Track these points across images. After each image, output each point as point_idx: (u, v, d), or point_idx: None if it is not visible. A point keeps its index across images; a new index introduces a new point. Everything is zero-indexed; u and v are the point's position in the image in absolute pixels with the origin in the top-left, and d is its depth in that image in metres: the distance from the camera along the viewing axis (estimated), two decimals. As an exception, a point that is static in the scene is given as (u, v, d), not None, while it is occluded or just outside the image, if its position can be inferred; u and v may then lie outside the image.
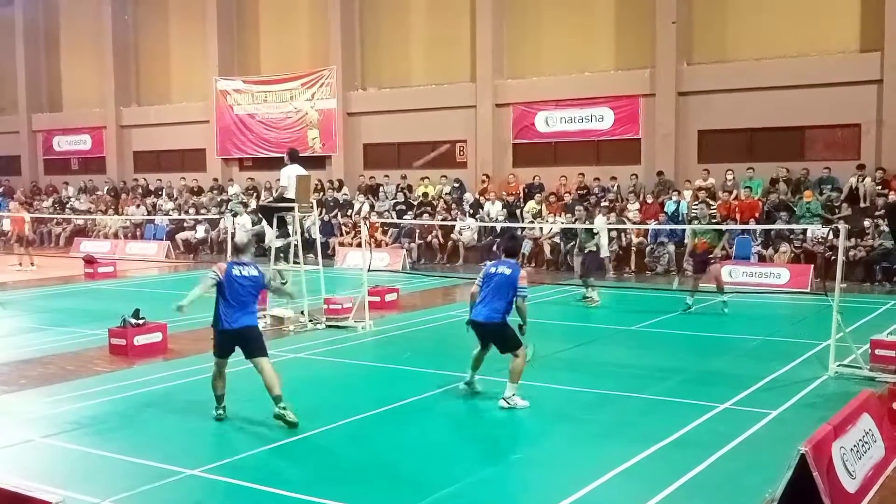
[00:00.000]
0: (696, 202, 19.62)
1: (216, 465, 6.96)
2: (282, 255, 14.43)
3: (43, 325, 13.83)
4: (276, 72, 28.76)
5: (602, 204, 21.01)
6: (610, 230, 18.19)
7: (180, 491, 6.49)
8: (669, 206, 21.13)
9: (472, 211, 23.34)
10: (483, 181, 24.35)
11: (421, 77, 26.34)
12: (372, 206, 24.62)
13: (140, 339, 11.43)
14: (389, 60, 26.97)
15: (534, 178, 23.66)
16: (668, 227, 20.06)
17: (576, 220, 16.51)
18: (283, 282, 13.50)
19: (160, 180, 31.26)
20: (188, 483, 6.62)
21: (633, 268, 20.37)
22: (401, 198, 24.95)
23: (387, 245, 23.19)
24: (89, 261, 21.25)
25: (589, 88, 23.48)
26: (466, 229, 22.62)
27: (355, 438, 7.80)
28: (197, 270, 21.06)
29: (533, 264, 21.19)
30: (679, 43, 22.04)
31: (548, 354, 10.35)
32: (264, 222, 15.82)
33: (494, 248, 20.83)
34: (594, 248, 15.52)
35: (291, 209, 13.57)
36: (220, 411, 8.22)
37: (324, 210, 24.36)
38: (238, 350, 8.11)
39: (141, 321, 11.60)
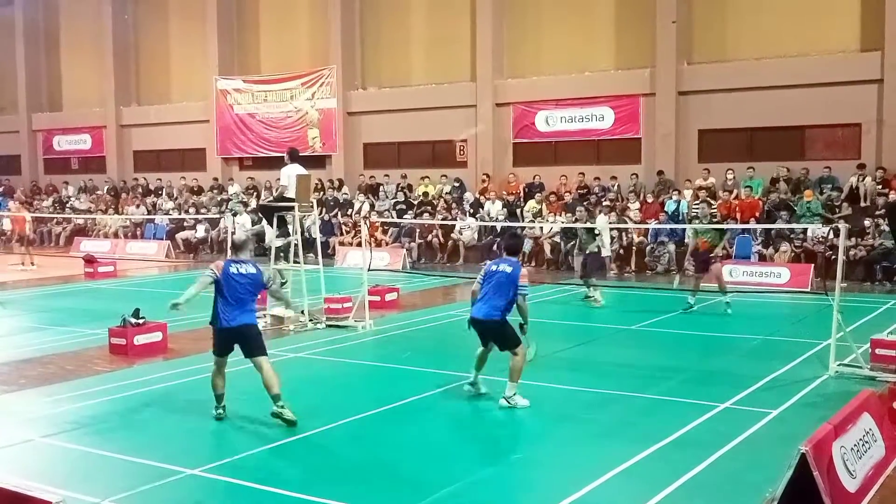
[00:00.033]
0: (697, 202, 19.61)
1: (216, 465, 6.95)
2: (282, 254, 14.41)
3: (43, 325, 13.83)
4: (277, 71, 28.77)
5: (603, 203, 20.99)
6: (611, 230, 18.20)
7: (180, 491, 6.49)
8: (670, 206, 21.13)
9: (472, 210, 23.34)
10: (483, 180, 24.36)
11: (421, 76, 26.34)
12: (372, 206, 24.62)
13: (140, 339, 11.42)
14: (389, 60, 26.97)
15: (534, 178, 23.66)
16: (668, 226, 20.06)
17: (576, 220, 16.49)
18: (284, 281, 13.52)
19: (160, 180, 31.27)
20: (188, 483, 6.61)
21: (633, 267, 20.38)
22: (401, 197, 24.97)
23: (387, 244, 23.18)
24: (89, 260, 21.24)
25: (589, 88, 23.48)
26: (467, 229, 22.61)
27: (355, 438, 7.79)
28: (197, 270, 20.92)
29: (533, 264, 21.18)
30: (679, 42, 22.05)
31: (548, 354, 10.32)
32: (264, 222, 15.80)
33: (495, 247, 20.82)
34: (595, 250, 15.51)
35: (291, 209, 13.57)
36: (220, 411, 8.21)
37: (324, 209, 24.34)
38: (238, 349, 8.11)
39: (141, 321, 11.59)
